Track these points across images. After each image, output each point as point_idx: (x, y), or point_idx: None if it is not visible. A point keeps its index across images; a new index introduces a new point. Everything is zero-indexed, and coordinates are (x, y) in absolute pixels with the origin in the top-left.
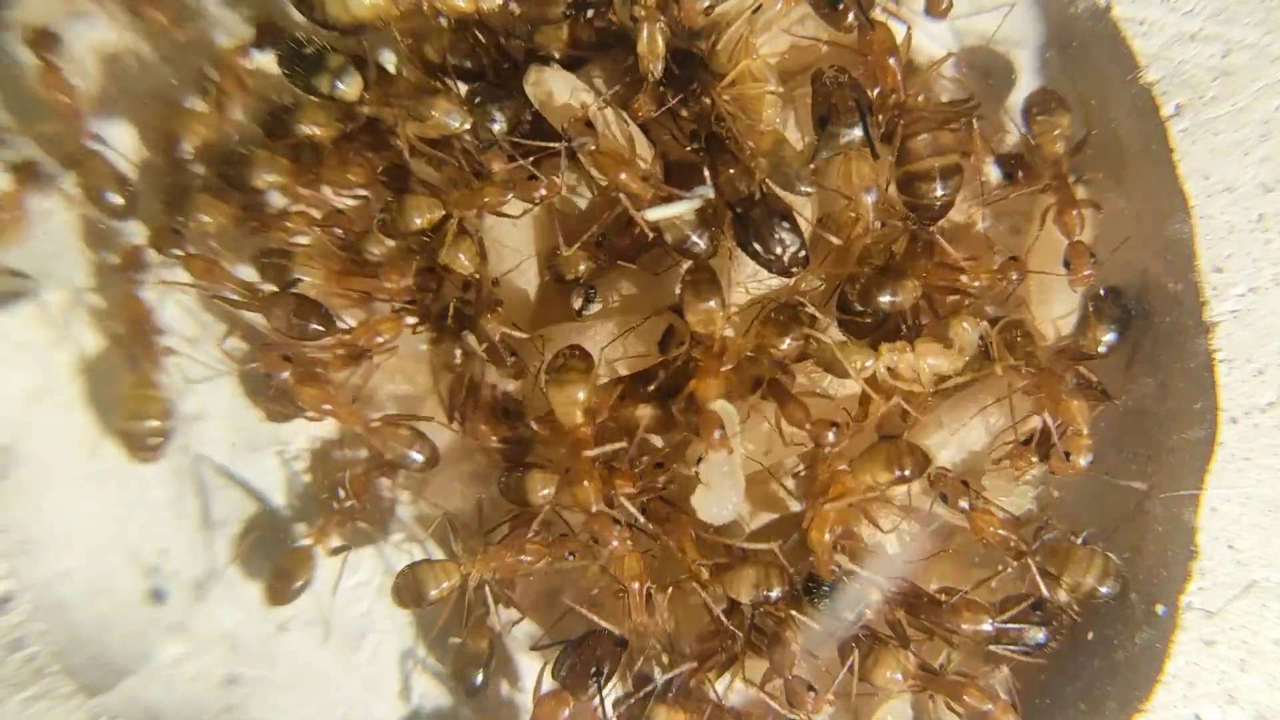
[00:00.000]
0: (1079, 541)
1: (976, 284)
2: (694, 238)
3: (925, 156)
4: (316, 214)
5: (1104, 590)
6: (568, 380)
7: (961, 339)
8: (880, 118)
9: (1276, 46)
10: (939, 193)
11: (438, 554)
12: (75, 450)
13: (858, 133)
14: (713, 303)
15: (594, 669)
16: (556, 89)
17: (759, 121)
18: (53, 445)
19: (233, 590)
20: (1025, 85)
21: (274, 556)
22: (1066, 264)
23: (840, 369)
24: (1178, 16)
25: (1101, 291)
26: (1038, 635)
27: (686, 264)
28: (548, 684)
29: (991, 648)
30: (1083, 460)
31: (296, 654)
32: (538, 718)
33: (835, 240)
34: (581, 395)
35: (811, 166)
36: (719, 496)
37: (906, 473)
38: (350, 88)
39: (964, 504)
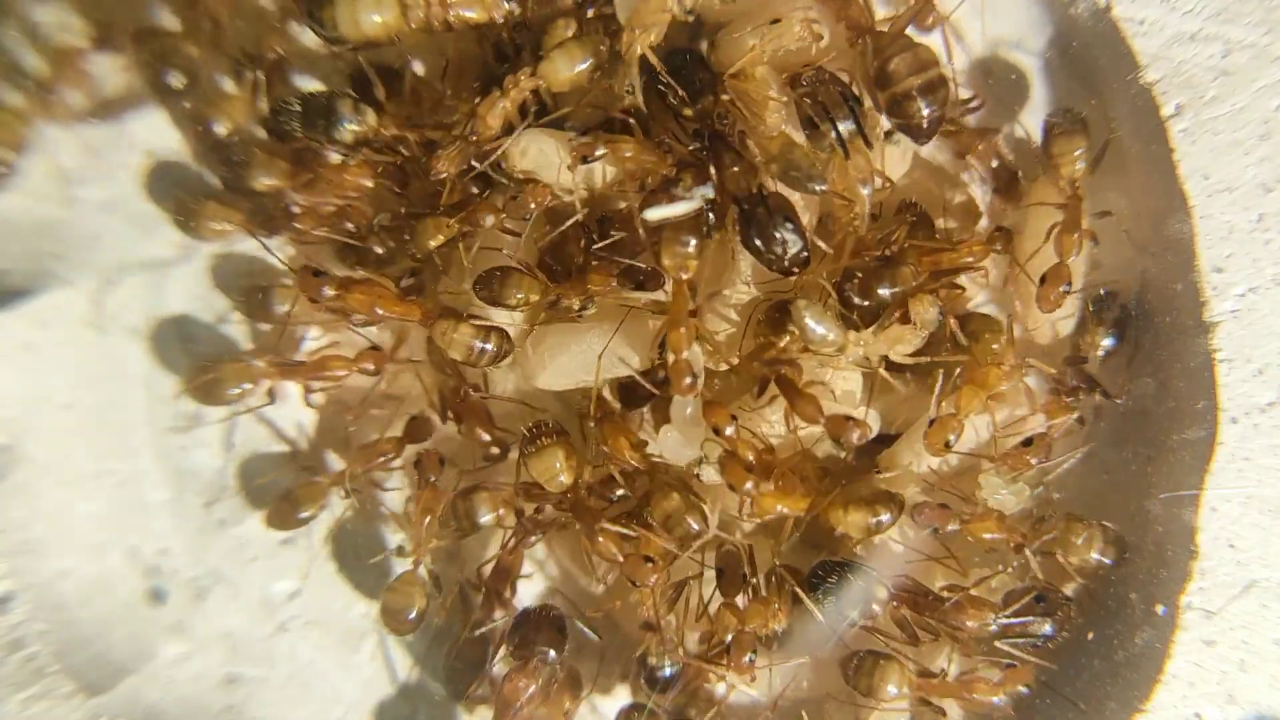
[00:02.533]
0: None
1: (969, 259)
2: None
3: (906, 77)
4: (324, 214)
5: (1108, 561)
6: (543, 451)
7: (923, 316)
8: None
9: (1276, 46)
10: (925, 110)
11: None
12: (75, 450)
13: (849, 125)
14: (690, 245)
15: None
16: (545, 151)
17: (763, 125)
18: (53, 445)
19: (233, 590)
20: (1024, 85)
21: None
22: (1042, 280)
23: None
24: (1178, 16)
25: (1102, 292)
26: (1044, 627)
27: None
28: None
29: (999, 644)
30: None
31: (296, 654)
32: (503, 695)
33: (828, 250)
34: (559, 464)
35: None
36: (682, 439)
37: (883, 519)
38: (368, 123)
39: (953, 527)
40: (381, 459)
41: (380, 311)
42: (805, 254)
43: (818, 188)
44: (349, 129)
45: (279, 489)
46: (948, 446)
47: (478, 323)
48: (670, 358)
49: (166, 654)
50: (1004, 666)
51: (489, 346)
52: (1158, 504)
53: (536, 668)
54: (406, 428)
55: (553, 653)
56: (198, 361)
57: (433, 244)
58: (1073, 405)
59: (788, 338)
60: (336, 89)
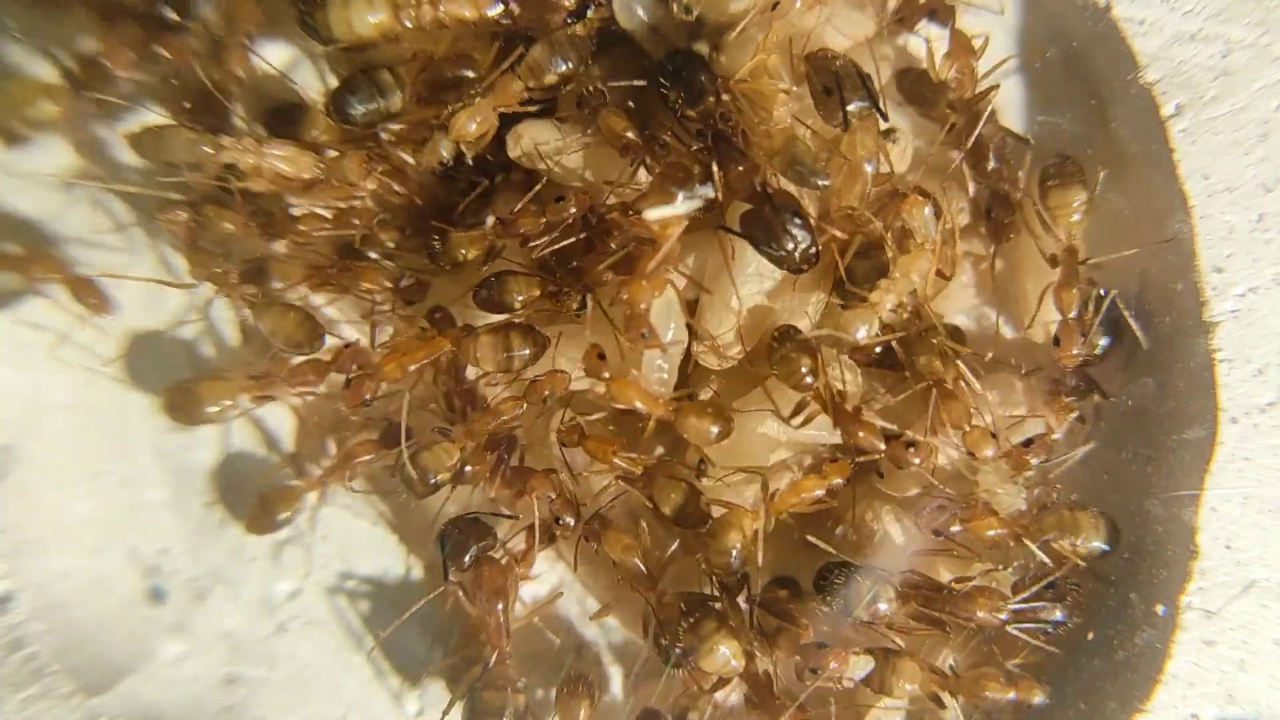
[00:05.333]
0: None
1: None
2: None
3: None
4: (326, 216)
5: (1107, 547)
6: (711, 642)
7: (916, 217)
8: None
9: (1276, 46)
10: None
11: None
12: (75, 450)
13: (862, 102)
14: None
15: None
16: (542, 138)
17: (770, 120)
18: (53, 445)
19: (233, 590)
20: (1025, 85)
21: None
22: (1056, 341)
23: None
24: (1178, 16)
25: (1101, 291)
26: (1055, 613)
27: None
28: None
29: (1011, 629)
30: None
31: (296, 654)
32: (493, 585)
33: (840, 235)
34: (730, 652)
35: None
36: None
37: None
38: (395, 101)
39: (956, 527)
40: (355, 461)
41: (414, 368)
42: (815, 250)
43: (821, 182)
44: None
45: (258, 494)
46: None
47: (496, 328)
48: (628, 309)
49: (166, 654)
50: (1016, 672)
51: (523, 351)
52: (1158, 504)
53: (490, 559)
54: (383, 433)
55: (488, 542)
56: (174, 382)
57: (465, 256)
58: (1072, 405)
59: (809, 362)
60: (364, 68)
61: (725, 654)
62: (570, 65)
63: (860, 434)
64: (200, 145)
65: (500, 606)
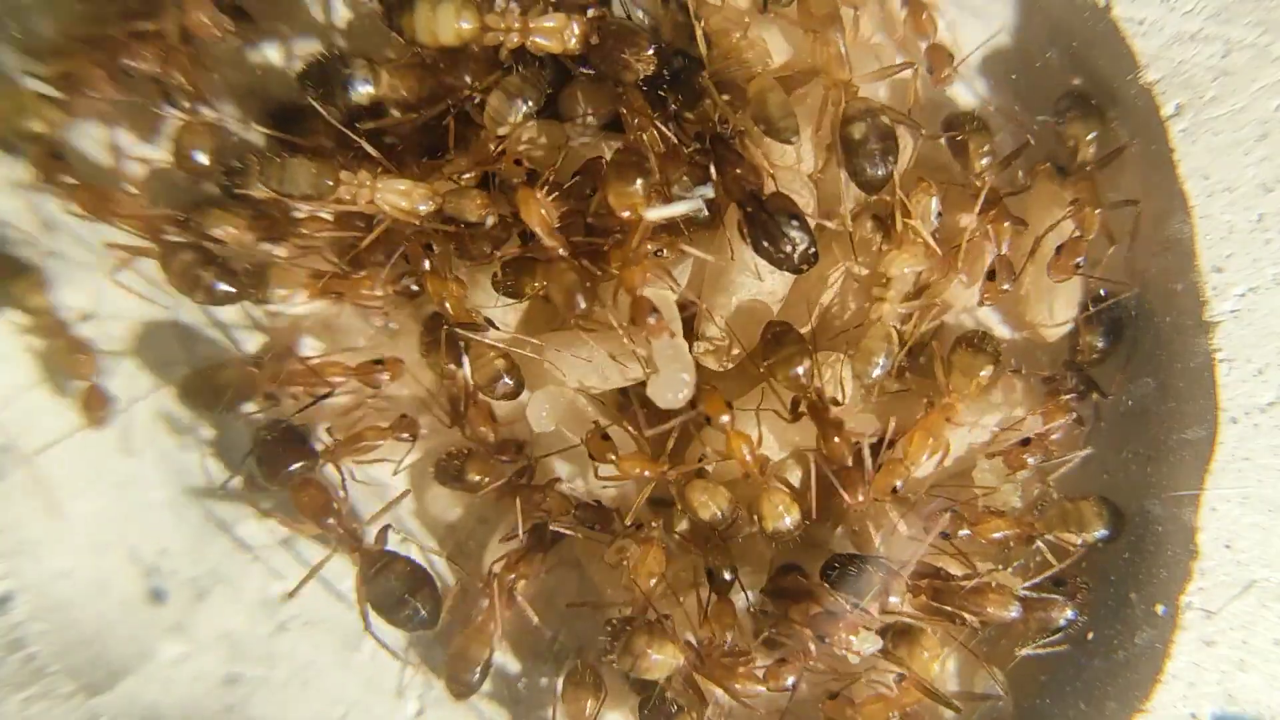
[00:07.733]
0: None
1: None
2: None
3: None
4: (328, 218)
5: (1111, 534)
6: (644, 657)
7: (924, 206)
8: None
9: (1276, 46)
10: None
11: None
12: (75, 450)
13: None
14: (636, 184)
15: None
16: (541, 141)
17: (744, 65)
18: (53, 445)
19: (233, 590)
20: (1025, 86)
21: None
22: (1059, 249)
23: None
24: (1178, 16)
25: (1102, 292)
26: (1066, 612)
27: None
28: None
29: (1023, 651)
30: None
31: (296, 654)
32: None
33: (831, 226)
34: (666, 654)
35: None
36: (670, 381)
37: None
38: (382, 84)
39: (964, 531)
40: (364, 444)
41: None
42: (814, 251)
43: (790, 138)
44: (363, 91)
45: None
46: (895, 491)
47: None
48: (627, 299)
49: (166, 654)
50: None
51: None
52: (1158, 504)
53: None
54: (394, 424)
55: (306, 463)
56: (196, 365)
57: (487, 250)
58: (1070, 405)
59: (806, 364)
60: (342, 53)
61: (660, 659)
62: (532, 104)
63: (834, 439)
64: (322, 179)
65: (329, 521)
